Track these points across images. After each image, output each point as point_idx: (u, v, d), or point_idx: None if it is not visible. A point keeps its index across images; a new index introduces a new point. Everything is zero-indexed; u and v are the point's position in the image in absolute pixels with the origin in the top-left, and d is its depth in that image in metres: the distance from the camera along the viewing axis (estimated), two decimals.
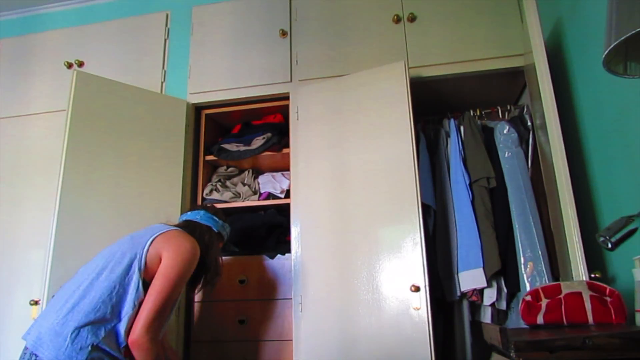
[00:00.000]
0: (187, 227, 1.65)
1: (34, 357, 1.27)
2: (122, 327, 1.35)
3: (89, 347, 1.28)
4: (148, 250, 1.45)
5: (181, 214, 2.17)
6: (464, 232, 2.03)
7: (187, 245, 1.49)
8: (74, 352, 1.26)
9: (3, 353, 2.13)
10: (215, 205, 1.83)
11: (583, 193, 1.70)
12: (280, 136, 2.33)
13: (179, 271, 1.43)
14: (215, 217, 1.73)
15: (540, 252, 1.89)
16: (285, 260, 2.16)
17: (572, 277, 1.53)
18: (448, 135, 2.23)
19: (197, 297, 2.15)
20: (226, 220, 1.80)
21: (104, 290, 1.37)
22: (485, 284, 1.93)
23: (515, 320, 1.98)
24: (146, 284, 1.41)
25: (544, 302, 1.34)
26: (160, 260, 1.44)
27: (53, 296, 1.48)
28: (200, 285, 1.68)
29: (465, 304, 2.03)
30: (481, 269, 1.94)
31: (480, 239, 1.98)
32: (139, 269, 1.41)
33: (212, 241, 1.68)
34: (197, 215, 1.72)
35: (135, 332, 1.33)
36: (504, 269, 1.96)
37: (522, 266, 1.91)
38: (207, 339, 2.14)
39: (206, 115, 2.45)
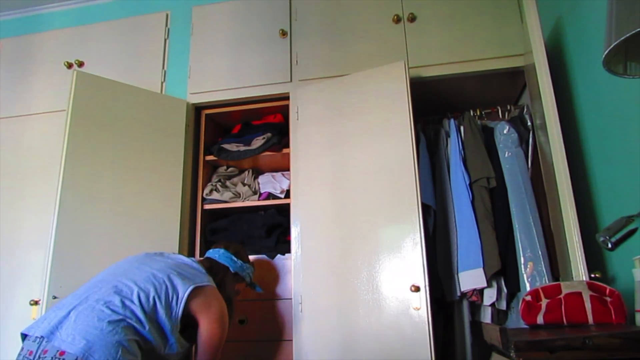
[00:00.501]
0: (211, 270, 1.67)
1: None
2: None
3: None
4: (186, 301, 1.46)
5: (181, 214, 2.18)
6: (464, 232, 2.03)
7: (223, 311, 1.55)
8: None
9: (3, 353, 2.13)
10: (239, 246, 1.87)
11: (583, 193, 1.70)
12: (280, 136, 2.33)
13: (220, 338, 1.52)
14: (233, 257, 1.77)
15: (540, 252, 1.89)
16: (285, 260, 2.16)
17: (572, 277, 1.53)
18: (448, 135, 2.23)
19: None
20: (249, 262, 1.84)
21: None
22: (485, 284, 1.92)
23: (515, 320, 1.98)
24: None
25: (544, 302, 1.34)
26: (195, 308, 1.49)
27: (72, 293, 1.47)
28: None
29: (465, 304, 2.03)
30: (481, 269, 1.94)
31: (480, 239, 1.98)
32: (176, 317, 1.44)
33: (226, 281, 1.71)
34: (217, 254, 1.77)
35: None
36: (504, 269, 1.96)
37: (522, 266, 1.91)
38: None
39: (206, 115, 2.45)
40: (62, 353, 1.23)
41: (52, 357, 1.23)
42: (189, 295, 1.46)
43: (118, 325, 1.31)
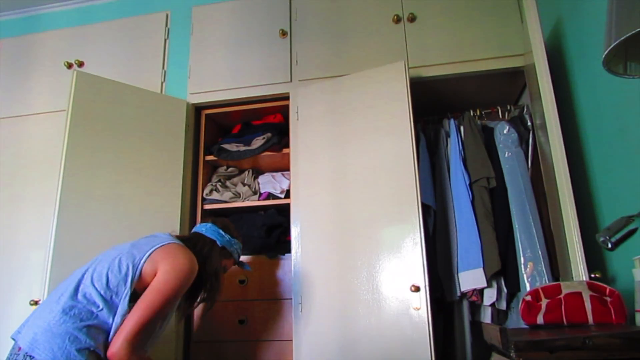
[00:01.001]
0: (190, 240, 1.61)
1: (28, 358, 1.25)
2: (110, 337, 1.32)
3: (87, 351, 1.27)
4: (145, 261, 1.42)
5: (181, 214, 2.18)
6: (464, 232, 2.03)
7: (184, 261, 1.44)
8: (72, 355, 1.25)
9: (3, 353, 2.13)
10: (227, 221, 1.78)
11: (583, 193, 1.70)
12: (280, 136, 2.33)
13: (172, 287, 1.39)
14: (221, 232, 1.69)
15: (540, 252, 1.89)
16: (285, 260, 2.16)
17: (572, 277, 1.53)
18: (448, 135, 2.23)
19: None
20: (238, 237, 1.75)
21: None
22: (485, 284, 1.92)
23: (515, 320, 1.98)
24: (137, 296, 1.38)
25: (544, 302, 1.34)
26: (156, 274, 1.41)
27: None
28: (198, 301, 1.64)
29: (465, 304, 2.03)
30: (481, 269, 1.94)
31: (480, 239, 1.98)
32: (132, 279, 1.38)
33: (212, 255, 1.62)
34: (203, 228, 1.69)
35: (115, 344, 1.29)
36: (504, 269, 1.96)
37: (522, 266, 1.91)
38: (207, 339, 2.14)
39: (206, 115, 2.45)
40: (19, 349, 1.28)
41: (15, 355, 1.27)
42: (149, 254, 1.42)
43: (70, 312, 1.30)
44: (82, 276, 1.40)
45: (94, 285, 1.36)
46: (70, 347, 1.25)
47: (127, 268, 1.39)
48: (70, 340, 1.26)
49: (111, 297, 1.35)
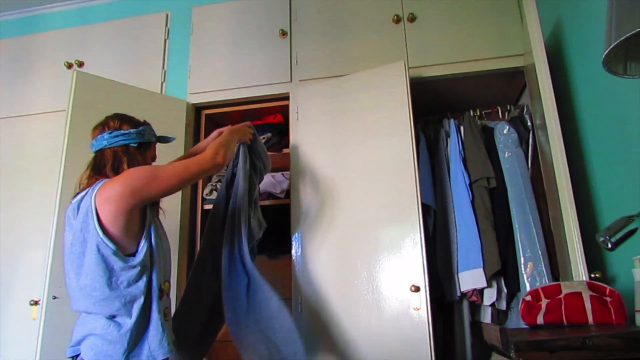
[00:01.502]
0: (99, 166, 1.39)
1: None
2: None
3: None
4: (96, 217, 1.25)
5: (181, 214, 2.18)
6: (464, 232, 2.03)
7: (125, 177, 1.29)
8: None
9: (3, 353, 2.13)
10: (115, 114, 1.50)
11: (583, 193, 1.70)
12: (280, 136, 2.33)
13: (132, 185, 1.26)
14: (123, 131, 1.42)
15: (540, 252, 1.89)
16: (285, 260, 2.16)
17: (572, 277, 1.53)
18: (448, 135, 2.23)
19: None
20: (140, 120, 1.51)
21: None
22: (485, 284, 1.93)
23: (515, 320, 1.98)
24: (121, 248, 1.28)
25: (544, 302, 1.34)
26: (116, 210, 1.24)
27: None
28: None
29: (465, 304, 2.03)
30: (481, 269, 1.94)
31: (480, 239, 1.98)
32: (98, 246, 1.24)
33: (131, 160, 1.40)
34: (102, 142, 1.40)
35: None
36: (504, 269, 1.96)
37: (522, 266, 1.91)
38: None
39: (206, 115, 2.45)
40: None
41: None
42: (90, 212, 1.26)
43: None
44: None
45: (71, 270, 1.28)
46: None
47: (84, 243, 1.26)
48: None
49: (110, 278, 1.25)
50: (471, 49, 2.15)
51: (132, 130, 1.44)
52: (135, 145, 1.43)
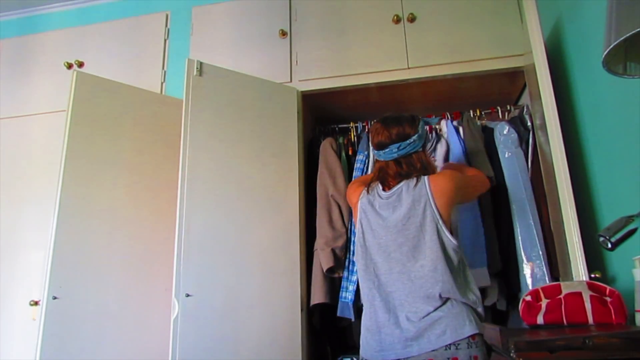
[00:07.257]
0: (410, 171, 1.50)
1: None
2: None
3: None
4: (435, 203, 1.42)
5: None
6: (467, 232, 2.02)
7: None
8: None
9: (3, 353, 2.13)
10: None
11: (583, 193, 1.70)
12: None
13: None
14: (419, 129, 1.54)
15: (540, 252, 1.89)
16: None
17: (572, 277, 1.53)
18: (439, 139, 2.22)
19: None
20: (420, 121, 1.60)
21: None
22: (489, 283, 1.92)
23: (516, 321, 1.97)
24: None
25: (544, 302, 1.34)
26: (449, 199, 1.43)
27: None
28: None
29: None
30: (486, 269, 1.93)
31: (485, 238, 1.98)
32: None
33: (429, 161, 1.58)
34: (406, 148, 1.50)
35: None
36: (504, 269, 1.95)
37: (522, 266, 1.91)
38: None
39: None
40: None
41: None
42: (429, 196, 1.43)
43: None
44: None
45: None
46: None
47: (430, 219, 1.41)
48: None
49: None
50: (471, 49, 2.15)
51: None
52: None
